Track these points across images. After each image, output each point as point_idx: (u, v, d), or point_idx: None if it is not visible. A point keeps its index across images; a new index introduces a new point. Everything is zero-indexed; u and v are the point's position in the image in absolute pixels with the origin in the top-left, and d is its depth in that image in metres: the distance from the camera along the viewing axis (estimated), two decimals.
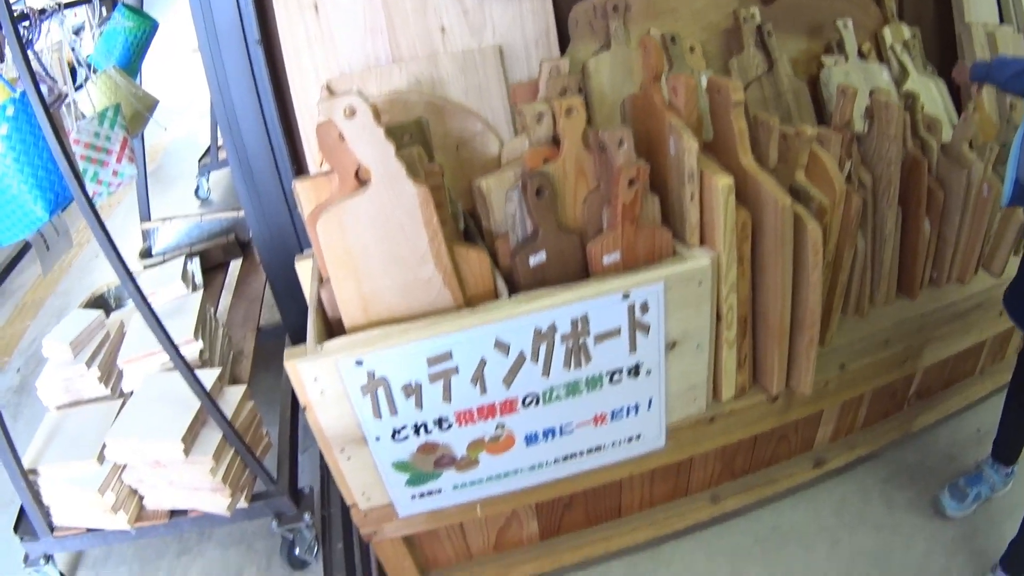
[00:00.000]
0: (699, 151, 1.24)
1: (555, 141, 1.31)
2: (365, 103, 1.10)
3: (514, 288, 1.27)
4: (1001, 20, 2.12)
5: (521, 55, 1.68)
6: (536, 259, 1.26)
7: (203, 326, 1.90)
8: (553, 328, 1.23)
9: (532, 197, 1.21)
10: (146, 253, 2.53)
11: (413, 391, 1.22)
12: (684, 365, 1.40)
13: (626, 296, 1.25)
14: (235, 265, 2.49)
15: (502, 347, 1.22)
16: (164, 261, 2.34)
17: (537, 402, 1.31)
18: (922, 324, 1.73)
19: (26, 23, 1.98)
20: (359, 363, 1.17)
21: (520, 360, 1.24)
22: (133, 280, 1.37)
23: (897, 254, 1.70)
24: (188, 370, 1.54)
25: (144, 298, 1.39)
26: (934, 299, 1.77)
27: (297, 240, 1.92)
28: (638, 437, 1.46)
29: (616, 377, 1.34)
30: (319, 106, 1.38)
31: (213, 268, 2.51)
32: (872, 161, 1.59)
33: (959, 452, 1.92)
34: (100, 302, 2.23)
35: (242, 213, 2.54)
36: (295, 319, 1.99)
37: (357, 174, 1.27)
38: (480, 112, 1.63)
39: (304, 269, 1.47)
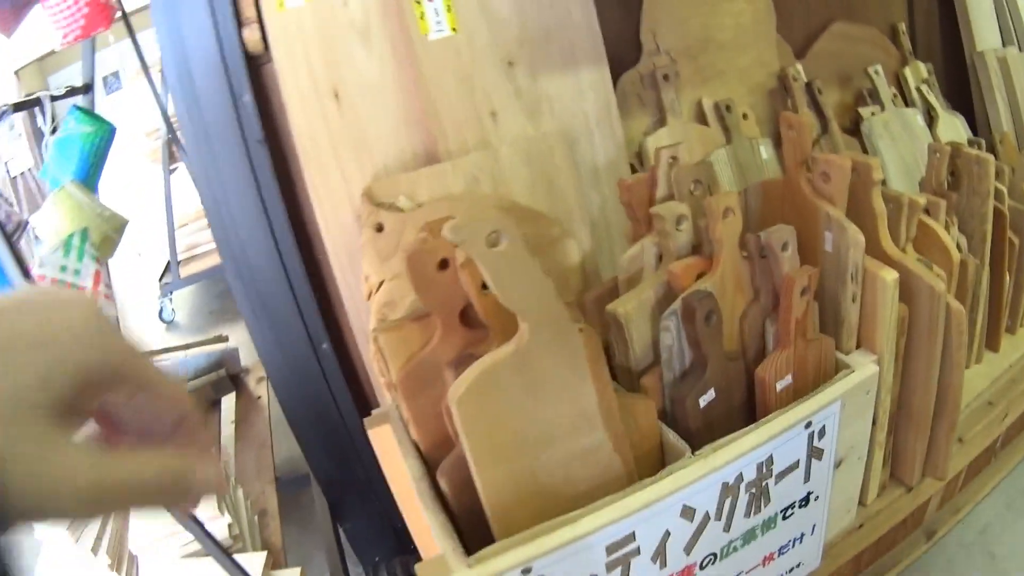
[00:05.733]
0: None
1: (693, 248, 1.08)
2: (512, 227, 0.82)
3: (677, 431, 1.02)
4: (1003, 43, 2.06)
5: (583, 138, 1.44)
6: (707, 399, 1.01)
7: (222, 495, 1.54)
8: (740, 478, 0.99)
9: (701, 325, 0.97)
10: None
11: None
12: (846, 480, 1.19)
13: (808, 425, 1.03)
14: (228, 403, 2.09)
15: (688, 512, 0.97)
16: None
17: (715, 560, 1.06)
18: (1012, 376, 1.60)
19: None
20: (526, 572, 0.89)
21: (704, 521, 0.99)
22: None
23: (987, 311, 1.57)
24: (227, 558, 1.20)
25: None
26: (1014, 347, 1.66)
27: (322, 373, 1.56)
28: (798, 565, 1.23)
29: (789, 512, 1.11)
30: (420, 231, 1.08)
31: (205, 408, 2.11)
32: (964, 220, 1.45)
33: None
34: None
35: (230, 343, 2.16)
36: (326, 467, 1.63)
37: (463, 315, 0.99)
38: (552, 212, 1.37)
39: (385, 439, 1.16)
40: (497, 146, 1.36)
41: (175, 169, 3.46)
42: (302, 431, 1.62)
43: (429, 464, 1.05)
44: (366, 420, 1.17)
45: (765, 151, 1.62)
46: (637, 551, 0.95)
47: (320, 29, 1.26)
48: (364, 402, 1.54)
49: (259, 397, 2.14)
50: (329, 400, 1.55)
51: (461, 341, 0.95)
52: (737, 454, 0.96)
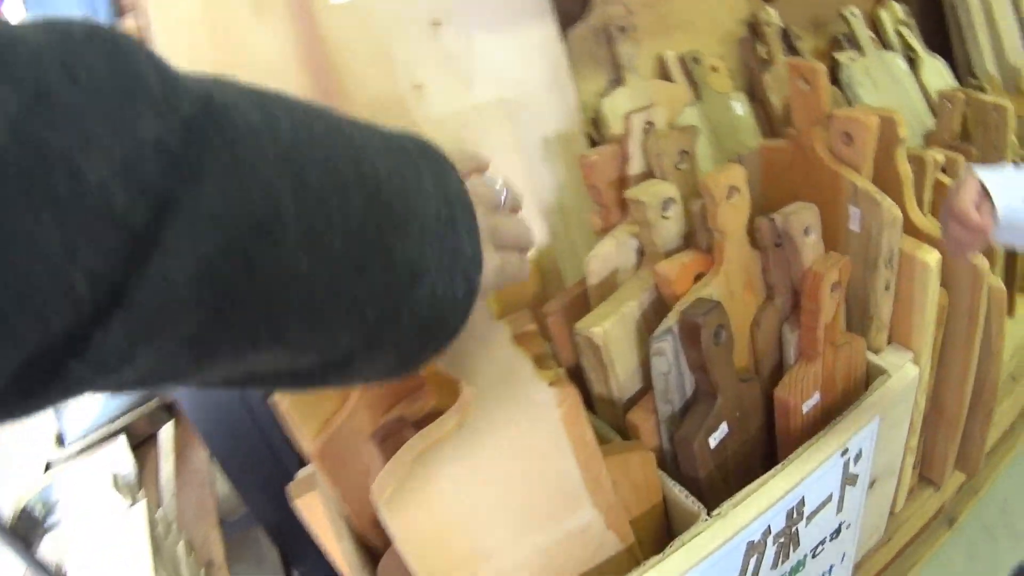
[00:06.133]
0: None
1: (685, 240, 0.85)
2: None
3: (682, 481, 0.81)
4: None
5: (530, 107, 1.18)
6: (718, 436, 0.79)
7: (158, 549, 1.28)
8: (767, 531, 0.78)
9: (708, 345, 0.74)
10: (60, 440, 1.80)
11: None
12: (879, 499, 1.00)
13: (844, 453, 0.82)
14: (166, 435, 1.82)
15: None
16: (83, 450, 1.65)
17: None
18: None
19: None
20: None
21: None
22: None
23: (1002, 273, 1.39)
24: None
25: None
26: None
27: (249, 413, 1.32)
28: None
29: (819, 549, 0.92)
30: None
31: (142, 443, 1.84)
32: None
33: None
34: (27, 520, 1.52)
35: None
36: (269, 514, 1.39)
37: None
38: None
39: (314, 511, 0.90)
40: (421, 124, 1.10)
41: None
42: (237, 479, 1.39)
43: (371, 549, 0.81)
44: (290, 487, 0.92)
45: (740, 107, 1.40)
46: None
47: (207, 6, 0.99)
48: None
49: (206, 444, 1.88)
50: (257, 439, 1.32)
51: (386, 398, 0.71)
52: (765, 506, 0.75)
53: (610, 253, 0.89)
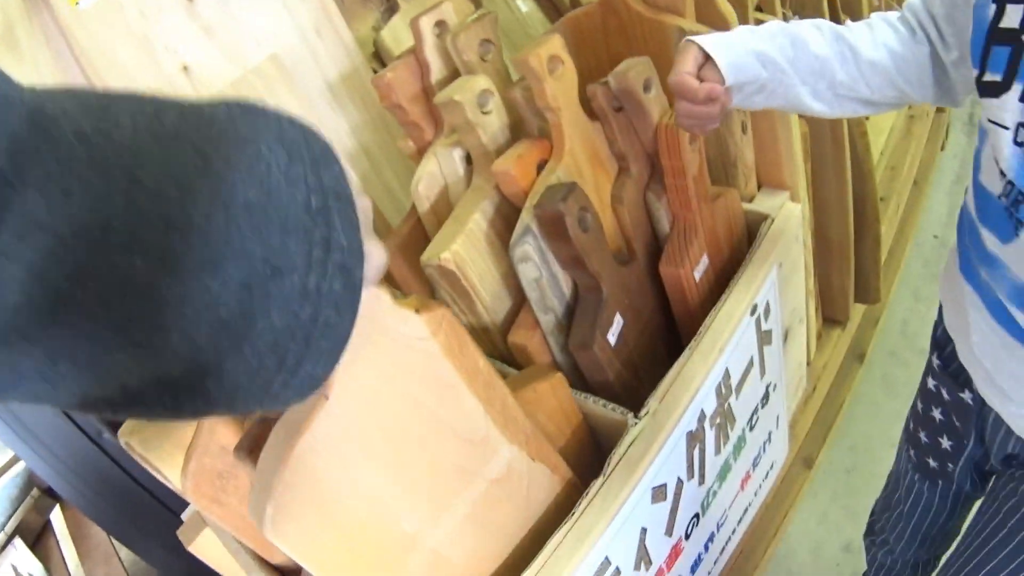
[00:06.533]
0: None
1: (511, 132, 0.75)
2: None
3: (593, 389, 0.72)
4: None
5: (304, 58, 1.05)
6: (615, 331, 0.71)
7: None
8: (702, 416, 0.71)
9: (577, 233, 0.65)
10: None
11: None
12: (794, 350, 0.96)
13: (754, 311, 0.76)
14: (57, 519, 1.69)
15: (660, 494, 0.68)
16: None
17: (698, 521, 0.80)
18: (890, 163, 1.46)
19: None
20: None
21: (678, 491, 0.71)
22: None
23: None
24: None
25: None
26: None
27: (116, 466, 1.17)
28: (772, 466, 1.01)
29: (754, 419, 0.86)
30: None
31: (39, 537, 1.68)
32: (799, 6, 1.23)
33: None
34: None
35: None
36: (170, 562, 1.25)
37: None
38: None
39: (213, 552, 0.77)
40: None
41: None
42: (129, 540, 1.28)
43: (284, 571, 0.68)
44: (179, 533, 0.79)
45: (524, 3, 1.32)
46: (618, 572, 0.65)
47: None
48: None
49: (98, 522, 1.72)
50: (139, 491, 1.18)
51: None
52: (693, 390, 0.67)
53: (435, 172, 0.77)
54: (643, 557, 0.69)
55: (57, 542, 1.74)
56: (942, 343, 0.66)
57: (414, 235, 0.76)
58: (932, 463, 0.72)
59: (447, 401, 0.52)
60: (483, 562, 0.59)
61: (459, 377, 0.52)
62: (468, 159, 0.74)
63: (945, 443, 0.69)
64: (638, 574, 0.70)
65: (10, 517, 1.78)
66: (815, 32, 0.59)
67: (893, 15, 0.59)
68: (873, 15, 0.61)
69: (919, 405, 0.72)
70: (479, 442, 0.55)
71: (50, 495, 1.94)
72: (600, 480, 0.62)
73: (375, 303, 0.46)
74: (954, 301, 0.59)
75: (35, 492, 1.86)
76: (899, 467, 0.78)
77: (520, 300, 0.72)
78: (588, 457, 0.69)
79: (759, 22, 0.97)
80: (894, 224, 1.39)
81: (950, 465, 0.70)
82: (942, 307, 0.64)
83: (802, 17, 1.04)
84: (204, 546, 0.80)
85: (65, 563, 1.63)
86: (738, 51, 0.57)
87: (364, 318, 0.36)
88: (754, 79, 0.57)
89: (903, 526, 0.79)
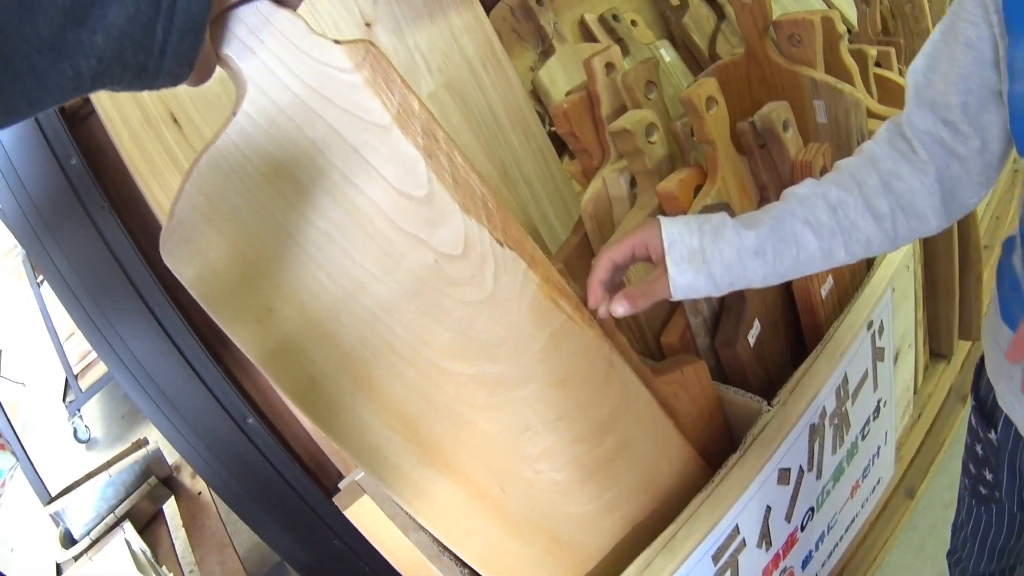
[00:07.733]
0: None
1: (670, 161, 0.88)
2: None
3: (730, 383, 0.82)
4: None
5: (472, 87, 1.19)
6: (755, 333, 0.82)
7: None
8: (823, 413, 0.80)
9: None
10: (67, 539, 1.73)
11: None
12: (903, 373, 1.04)
13: (870, 326, 0.85)
14: (171, 509, 1.77)
15: (784, 476, 0.77)
16: (93, 543, 1.60)
17: (812, 515, 0.88)
18: (994, 213, 1.51)
19: None
20: None
21: (800, 478, 0.80)
22: None
23: None
24: None
25: None
26: None
27: (257, 451, 1.27)
28: (878, 482, 1.07)
29: (866, 429, 0.94)
30: None
31: (149, 524, 1.78)
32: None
33: None
34: None
35: (151, 444, 1.82)
36: (298, 553, 1.32)
37: None
38: None
39: (368, 516, 0.88)
40: None
41: (43, 281, 2.97)
42: (256, 523, 1.32)
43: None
44: (336, 499, 0.90)
45: (667, 54, 1.45)
46: (743, 543, 0.75)
47: None
48: (321, 466, 1.27)
49: (200, 493, 1.83)
50: (275, 478, 1.26)
51: None
52: (819, 386, 0.77)
53: (601, 192, 0.91)
54: (765, 536, 0.78)
55: (169, 531, 1.86)
56: (980, 386, 0.70)
57: (577, 252, 0.89)
58: (983, 490, 0.76)
59: (376, 143, 0.48)
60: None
61: (388, 116, 0.48)
62: (632, 182, 0.87)
63: (988, 475, 0.74)
64: (759, 552, 0.79)
65: (122, 501, 1.92)
66: (809, 232, 0.56)
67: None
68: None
69: (967, 439, 0.77)
70: (422, 200, 0.50)
71: (166, 485, 2.07)
72: (736, 455, 0.72)
73: (289, 26, 0.44)
74: (996, 346, 0.62)
75: (152, 480, 2.00)
76: (961, 491, 0.83)
77: (672, 305, 0.84)
78: (721, 440, 0.79)
79: (879, 78, 1.08)
80: (995, 271, 1.43)
81: (997, 493, 0.74)
82: (984, 353, 0.66)
83: None
84: (359, 512, 0.89)
85: (175, 549, 1.73)
86: (699, 273, 0.56)
87: (278, 35, 0.39)
88: (711, 291, 0.58)
89: (971, 546, 0.84)
